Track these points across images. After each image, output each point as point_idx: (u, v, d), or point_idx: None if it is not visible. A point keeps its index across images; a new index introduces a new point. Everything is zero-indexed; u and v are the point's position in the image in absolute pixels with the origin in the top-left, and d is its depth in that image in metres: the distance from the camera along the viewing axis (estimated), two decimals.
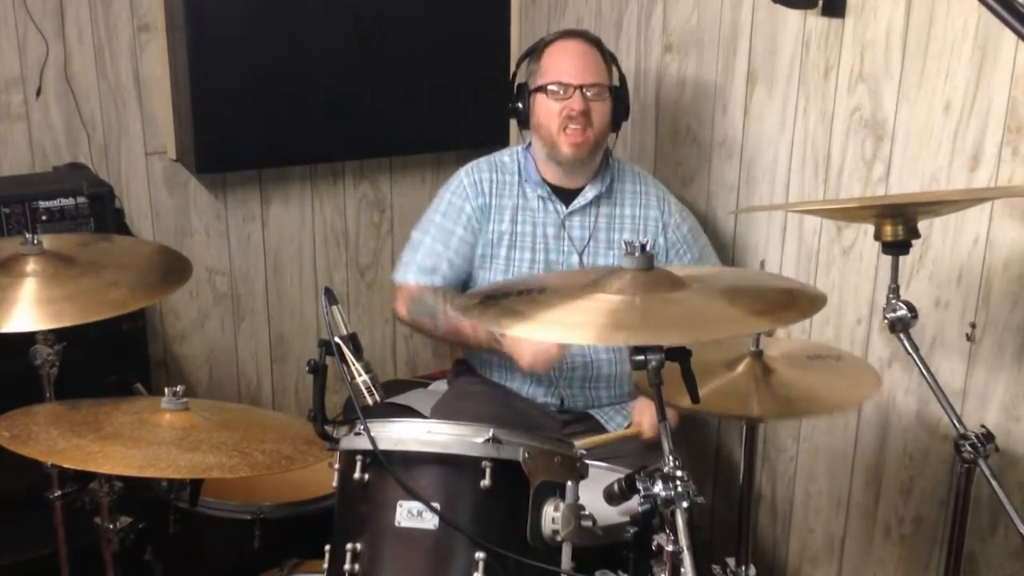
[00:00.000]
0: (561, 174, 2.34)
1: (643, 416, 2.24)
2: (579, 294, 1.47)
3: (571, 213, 2.35)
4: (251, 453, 1.62)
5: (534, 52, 2.33)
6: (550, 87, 2.25)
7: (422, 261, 2.36)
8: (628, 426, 2.31)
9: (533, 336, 1.58)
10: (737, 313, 1.47)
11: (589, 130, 2.25)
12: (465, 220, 2.35)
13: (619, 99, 2.32)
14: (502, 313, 1.47)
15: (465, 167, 2.42)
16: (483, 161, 2.42)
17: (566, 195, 2.36)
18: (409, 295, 2.37)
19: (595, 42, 2.31)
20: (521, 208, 2.36)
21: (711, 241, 2.56)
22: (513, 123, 2.44)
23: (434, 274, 2.35)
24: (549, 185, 2.35)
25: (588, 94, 2.24)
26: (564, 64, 2.26)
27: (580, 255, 2.34)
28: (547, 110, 2.26)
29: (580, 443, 2.05)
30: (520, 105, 2.33)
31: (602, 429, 2.34)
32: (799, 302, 1.53)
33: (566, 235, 2.35)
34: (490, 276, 2.35)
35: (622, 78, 2.35)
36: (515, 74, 2.38)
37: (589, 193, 2.34)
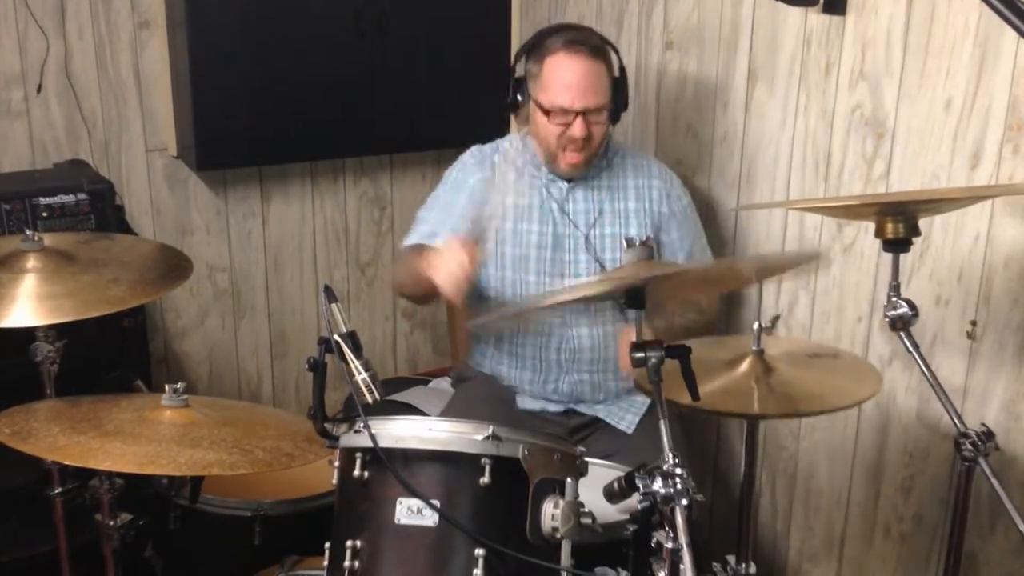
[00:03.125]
0: None
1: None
2: None
3: (574, 187, 2.33)
4: (251, 450, 1.62)
5: (535, 50, 2.27)
6: (553, 111, 2.21)
7: (422, 229, 2.35)
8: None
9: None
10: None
11: (587, 150, 2.25)
12: (469, 191, 2.35)
13: (618, 93, 2.28)
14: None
15: (469, 150, 2.44)
16: (486, 146, 2.44)
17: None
18: (397, 259, 2.35)
19: (596, 51, 2.23)
20: (528, 184, 2.35)
21: (712, 238, 2.56)
22: (514, 122, 2.43)
23: (433, 238, 2.30)
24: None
25: (589, 118, 2.20)
26: (565, 87, 2.19)
27: (587, 235, 2.32)
28: (546, 129, 2.24)
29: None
30: (519, 98, 2.30)
31: (612, 431, 2.34)
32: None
33: (571, 208, 2.33)
34: (498, 248, 2.33)
35: (622, 68, 2.31)
36: (513, 66, 2.36)
37: (591, 172, 2.35)
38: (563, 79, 2.21)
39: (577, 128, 2.20)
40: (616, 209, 2.34)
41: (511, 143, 2.42)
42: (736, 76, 2.52)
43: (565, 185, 2.34)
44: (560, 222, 2.34)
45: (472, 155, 2.42)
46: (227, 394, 3.12)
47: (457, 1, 3.02)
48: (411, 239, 2.38)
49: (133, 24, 2.81)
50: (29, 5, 2.66)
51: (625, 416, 2.36)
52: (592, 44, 2.25)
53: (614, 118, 2.31)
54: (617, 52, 2.33)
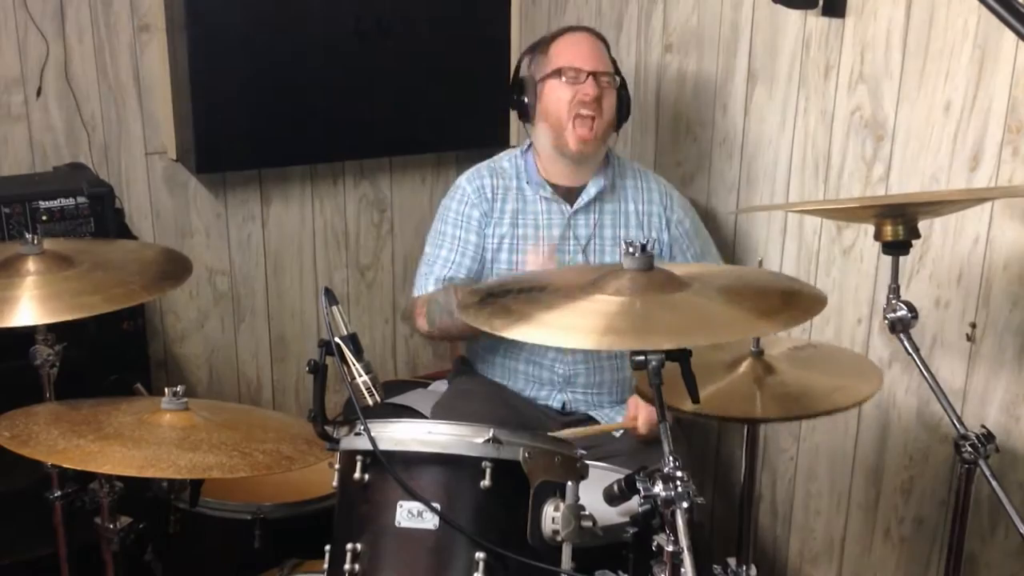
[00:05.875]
0: (564, 171, 2.34)
1: (639, 411, 2.23)
2: (578, 295, 1.47)
3: (576, 212, 2.35)
4: (251, 453, 1.62)
5: (540, 46, 2.34)
6: (565, 71, 2.26)
7: (440, 272, 2.36)
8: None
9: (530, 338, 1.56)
10: (737, 316, 1.47)
11: (598, 120, 2.25)
12: (476, 226, 2.35)
13: (622, 96, 2.33)
14: (500, 312, 1.47)
15: (465, 175, 2.41)
16: (482, 167, 2.42)
17: (570, 194, 2.35)
18: (425, 303, 2.34)
19: (600, 37, 2.35)
20: (521, 212, 2.36)
21: (712, 240, 2.56)
22: (514, 123, 2.44)
23: (451, 283, 2.34)
24: (552, 185, 2.35)
25: (600, 81, 2.26)
26: (577, 51, 2.28)
27: (584, 252, 2.34)
28: (558, 96, 2.26)
29: (571, 433, 2.06)
30: (524, 99, 2.32)
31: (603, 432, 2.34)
32: (799, 302, 1.52)
33: (571, 234, 2.34)
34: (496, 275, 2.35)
35: (622, 79, 2.36)
36: (517, 68, 2.38)
37: (592, 189, 2.34)
38: (572, 46, 2.31)
39: (590, 87, 2.24)
40: (617, 235, 2.35)
41: (510, 161, 2.41)
42: (736, 78, 2.52)
43: (568, 209, 2.34)
44: (560, 248, 2.34)
45: (469, 181, 2.39)
46: (227, 397, 3.12)
47: (456, 4, 3.02)
48: (429, 283, 2.36)
49: (133, 27, 2.81)
50: (29, 8, 2.66)
51: (616, 418, 2.36)
52: (595, 31, 2.36)
53: (617, 122, 2.33)
54: (616, 64, 2.36)
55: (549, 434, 1.65)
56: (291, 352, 3.23)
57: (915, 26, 2.08)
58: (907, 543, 2.28)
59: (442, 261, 2.36)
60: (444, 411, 2.40)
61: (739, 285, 1.62)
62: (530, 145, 2.39)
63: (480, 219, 2.35)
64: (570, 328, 1.43)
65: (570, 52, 2.29)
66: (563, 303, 1.48)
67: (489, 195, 2.36)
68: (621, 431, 2.31)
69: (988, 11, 1.09)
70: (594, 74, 2.25)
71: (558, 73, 2.27)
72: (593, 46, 2.31)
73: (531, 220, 2.35)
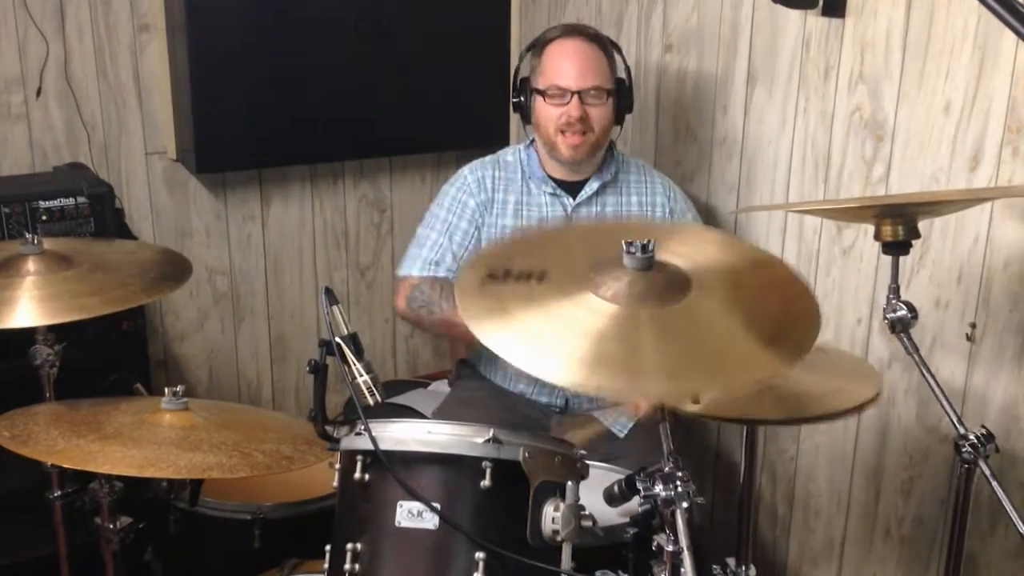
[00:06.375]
0: (565, 169, 2.35)
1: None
2: (574, 290, 1.39)
3: (578, 205, 2.35)
4: (251, 453, 1.62)
5: (536, 47, 2.33)
6: (549, 91, 2.25)
7: (427, 255, 2.36)
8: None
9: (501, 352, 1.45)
10: (742, 351, 1.36)
11: (589, 133, 2.25)
12: (469, 214, 2.36)
13: (622, 93, 2.31)
14: (492, 308, 1.40)
15: (468, 165, 2.42)
16: (487, 160, 2.43)
17: (572, 188, 2.36)
18: (410, 287, 2.37)
19: (596, 38, 2.29)
20: (525, 204, 2.36)
21: None
22: (514, 123, 2.44)
23: (438, 266, 2.35)
24: (554, 180, 2.35)
25: (587, 99, 2.23)
26: (563, 67, 2.25)
27: None
28: (546, 114, 2.27)
29: (579, 436, 2.06)
30: (522, 99, 2.33)
31: (606, 431, 2.33)
32: (794, 329, 1.43)
33: None
34: None
35: (627, 69, 2.35)
36: (518, 68, 2.38)
37: (595, 183, 2.35)
38: (560, 60, 2.26)
39: (574, 108, 2.22)
40: None
41: (513, 155, 2.42)
42: (735, 78, 2.52)
43: (570, 203, 2.35)
44: None
45: (472, 171, 2.40)
46: (227, 397, 3.12)
47: (457, 3, 3.02)
48: (415, 266, 2.37)
49: (133, 27, 2.81)
50: (29, 8, 2.66)
51: (619, 419, 2.36)
52: (590, 32, 2.31)
53: (618, 119, 2.32)
54: (621, 53, 2.34)
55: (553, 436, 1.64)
56: (291, 352, 3.23)
57: (915, 26, 2.08)
58: (907, 543, 2.29)
59: (431, 244, 2.37)
60: (445, 417, 2.40)
61: (742, 295, 1.54)
62: (533, 140, 2.39)
63: (475, 208, 2.36)
64: (554, 355, 1.33)
65: (557, 67, 2.25)
66: (556, 301, 1.38)
67: (489, 186, 2.37)
68: (626, 431, 2.30)
69: (988, 11, 1.09)
70: (579, 93, 2.22)
71: (544, 92, 2.25)
72: (583, 57, 2.25)
73: (535, 212, 2.36)
